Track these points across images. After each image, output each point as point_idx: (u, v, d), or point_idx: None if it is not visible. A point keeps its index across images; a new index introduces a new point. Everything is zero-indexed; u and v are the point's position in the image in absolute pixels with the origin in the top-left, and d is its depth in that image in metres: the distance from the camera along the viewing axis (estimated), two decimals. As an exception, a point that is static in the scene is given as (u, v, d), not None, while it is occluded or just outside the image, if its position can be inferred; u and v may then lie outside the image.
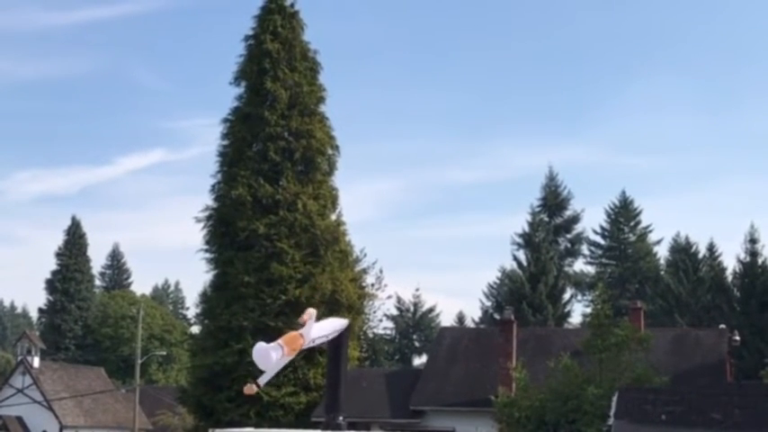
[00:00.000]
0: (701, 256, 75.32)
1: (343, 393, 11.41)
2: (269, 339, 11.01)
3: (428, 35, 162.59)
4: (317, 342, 10.98)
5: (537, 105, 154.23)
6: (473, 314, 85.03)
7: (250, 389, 10.77)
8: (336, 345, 11.25)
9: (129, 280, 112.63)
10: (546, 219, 77.03)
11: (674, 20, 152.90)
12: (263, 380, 10.75)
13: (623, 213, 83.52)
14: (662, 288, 73.96)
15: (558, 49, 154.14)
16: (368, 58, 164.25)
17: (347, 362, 11.74)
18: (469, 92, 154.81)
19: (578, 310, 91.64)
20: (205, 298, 49.66)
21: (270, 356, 10.11)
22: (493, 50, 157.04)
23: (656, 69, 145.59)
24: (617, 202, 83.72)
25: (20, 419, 62.72)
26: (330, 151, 49.50)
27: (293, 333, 10.63)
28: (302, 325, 10.70)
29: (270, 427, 40.32)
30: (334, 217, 49.41)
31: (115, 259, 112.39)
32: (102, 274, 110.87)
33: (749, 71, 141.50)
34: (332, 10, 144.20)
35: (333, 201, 49.37)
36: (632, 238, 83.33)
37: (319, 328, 11.02)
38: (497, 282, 78.53)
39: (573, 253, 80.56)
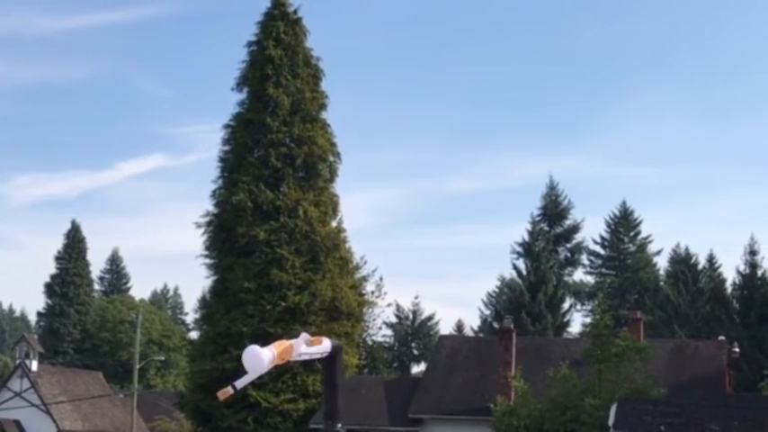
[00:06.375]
0: (700, 267, 75.37)
1: (341, 400, 11.38)
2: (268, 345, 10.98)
3: (428, 45, 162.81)
4: (302, 358, 10.90)
5: (537, 115, 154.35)
6: (472, 323, 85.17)
7: (225, 393, 10.52)
8: (332, 354, 11.22)
9: (128, 285, 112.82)
10: (546, 228, 76.94)
11: (674, 31, 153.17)
12: (240, 383, 10.59)
13: (623, 223, 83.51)
14: (661, 299, 73.96)
15: (558, 59, 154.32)
16: (369, 66, 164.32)
17: (343, 368, 11.72)
18: (470, 101, 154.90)
19: (577, 320, 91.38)
20: (204, 303, 49.63)
21: (262, 360, 9.98)
22: (493, 61, 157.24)
23: (657, 80, 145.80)
24: (617, 213, 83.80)
25: (17, 423, 62.53)
26: (331, 158, 49.53)
27: (285, 342, 10.57)
28: (302, 337, 10.61)
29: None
30: (334, 224, 49.42)
31: (114, 264, 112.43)
32: (102, 279, 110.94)
33: (750, 84, 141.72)
34: (334, 18, 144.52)
35: (333, 208, 49.39)
36: (632, 248, 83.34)
37: (309, 349, 10.94)
38: (497, 290, 78.51)
39: (572, 262, 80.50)
